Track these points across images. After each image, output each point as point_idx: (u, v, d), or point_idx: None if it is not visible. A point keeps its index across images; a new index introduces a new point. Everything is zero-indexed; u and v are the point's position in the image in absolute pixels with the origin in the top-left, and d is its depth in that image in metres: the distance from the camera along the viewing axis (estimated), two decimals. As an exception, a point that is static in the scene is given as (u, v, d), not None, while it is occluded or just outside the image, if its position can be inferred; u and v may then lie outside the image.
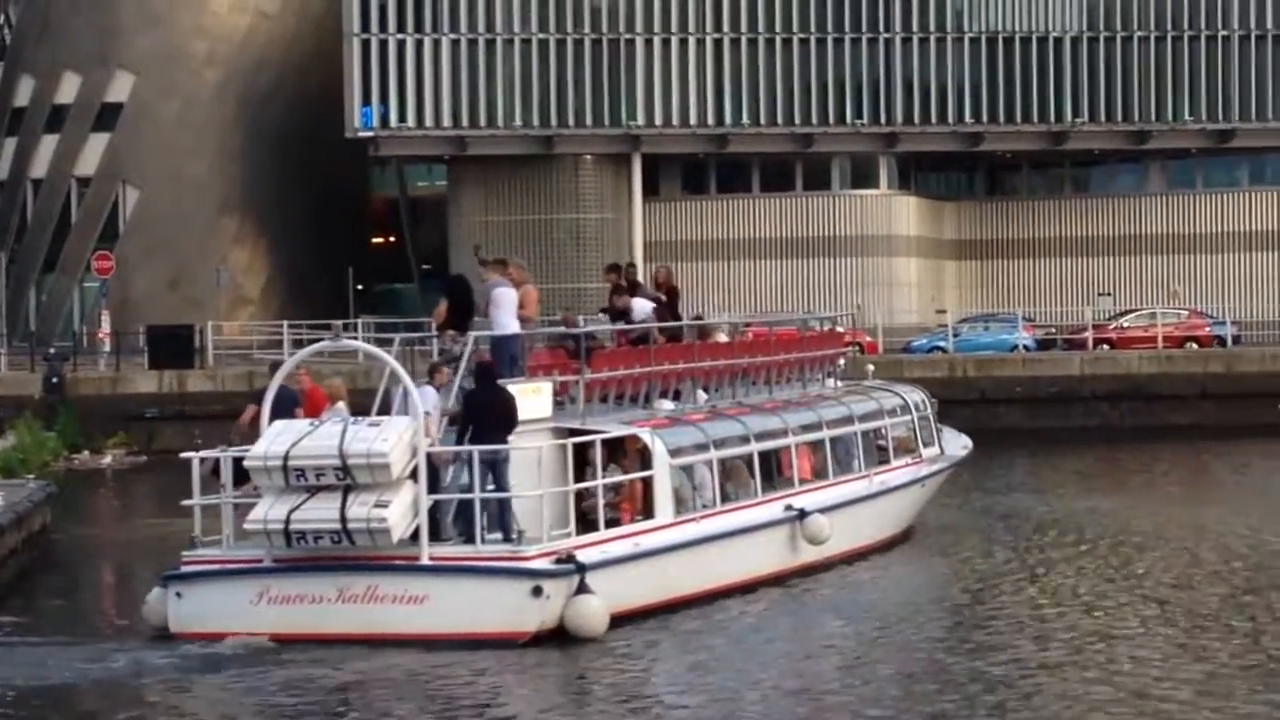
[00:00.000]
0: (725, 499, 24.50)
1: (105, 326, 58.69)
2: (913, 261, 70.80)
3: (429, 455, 21.02)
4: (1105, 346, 60.96)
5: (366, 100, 67.25)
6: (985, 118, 69.02)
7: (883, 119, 68.81)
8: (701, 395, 26.67)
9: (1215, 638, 20.98)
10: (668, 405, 25.58)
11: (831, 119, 68.73)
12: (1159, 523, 31.54)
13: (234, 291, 69.08)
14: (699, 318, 30.44)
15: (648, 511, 23.08)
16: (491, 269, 23.98)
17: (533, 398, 22.62)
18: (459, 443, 21.47)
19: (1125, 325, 63.24)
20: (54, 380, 52.41)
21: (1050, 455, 45.29)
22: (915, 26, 68.83)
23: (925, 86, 69.01)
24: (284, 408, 21.86)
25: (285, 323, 60.34)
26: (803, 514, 25.22)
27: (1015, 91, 68.99)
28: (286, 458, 20.62)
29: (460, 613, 20.56)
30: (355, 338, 21.49)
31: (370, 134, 67.65)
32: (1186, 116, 69.57)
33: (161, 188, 70.76)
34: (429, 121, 67.66)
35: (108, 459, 49.58)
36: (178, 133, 71.27)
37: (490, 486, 21.28)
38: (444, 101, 67.51)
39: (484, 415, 21.42)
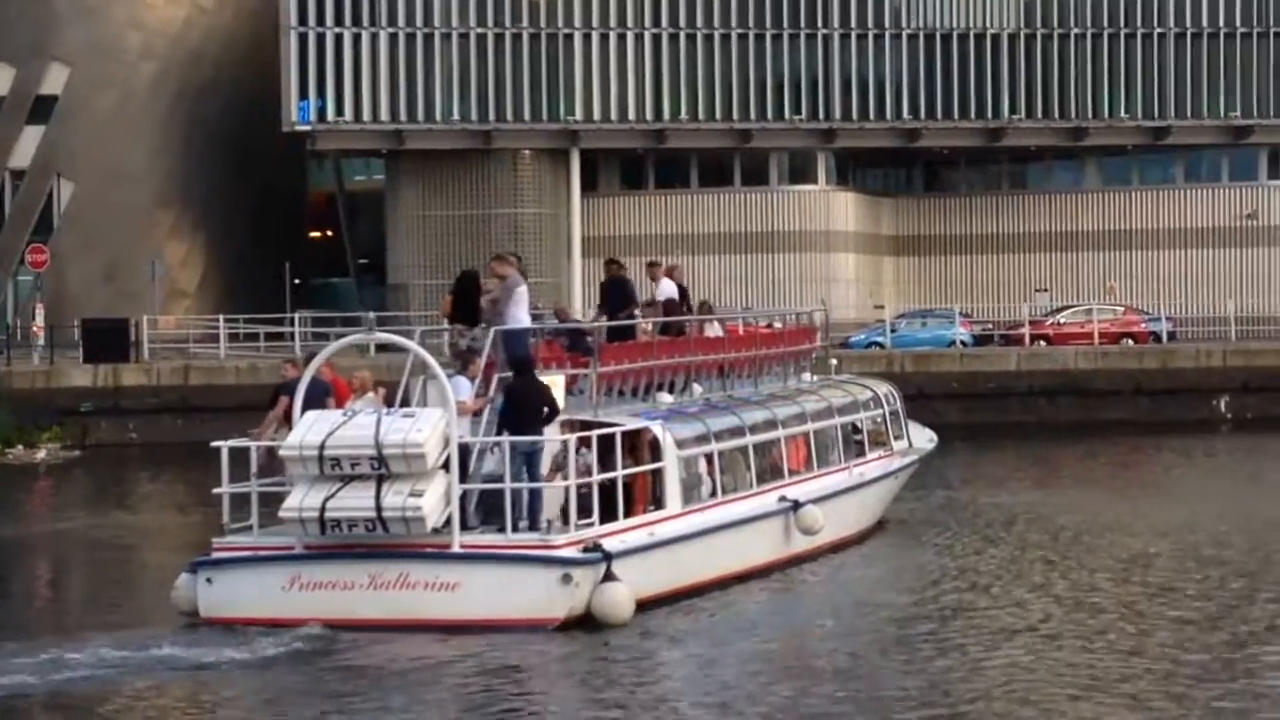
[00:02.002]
0: (724, 490, 25.18)
1: (39, 320, 58.25)
2: (850, 257, 70.95)
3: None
4: (1042, 342, 61.26)
5: (304, 94, 66.98)
6: (923, 114, 69.22)
7: (821, 115, 68.92)
8: (697, 389, 27.27)
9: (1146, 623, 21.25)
10: (667, 398, 26.18)
11: (770, 114, 68.82)
12: (1094, 516, 31.78)
13: (170, 285, 68.70)
14: (706, 305, 30.97)
15: (658, 502, 23.73)
16: (506, 264, 24.48)
17: (553, 390, 23.19)
18: (497, 433, 22.12)
19: (1062, 321, 63.56)
20: (-14, 374, 52.05)
21: (988, 450, 45.43)
22: (854, 23, 68.96)
23: (863, 83, 69.17)
24: (315, 399, 22.23)
25: (221, 317, 60.10)
26: (796, 505, 25.95)
27: (953, 88, 69.21)
28: (322, 447, 21.02)
29: (491, 600, 21.12)
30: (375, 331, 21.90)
31: (308, 128, 67.35)
32: (1122, 114, 69.92)
33: (97, 181, 70.33)
34: (366, 116, 67.45)
35: (41, 453, 49.26)
36: (113, 125, 70.84)
37: (523, 477, 21.90)
38: (382, 96, 67.31)
39: (524, 406, 22.13)
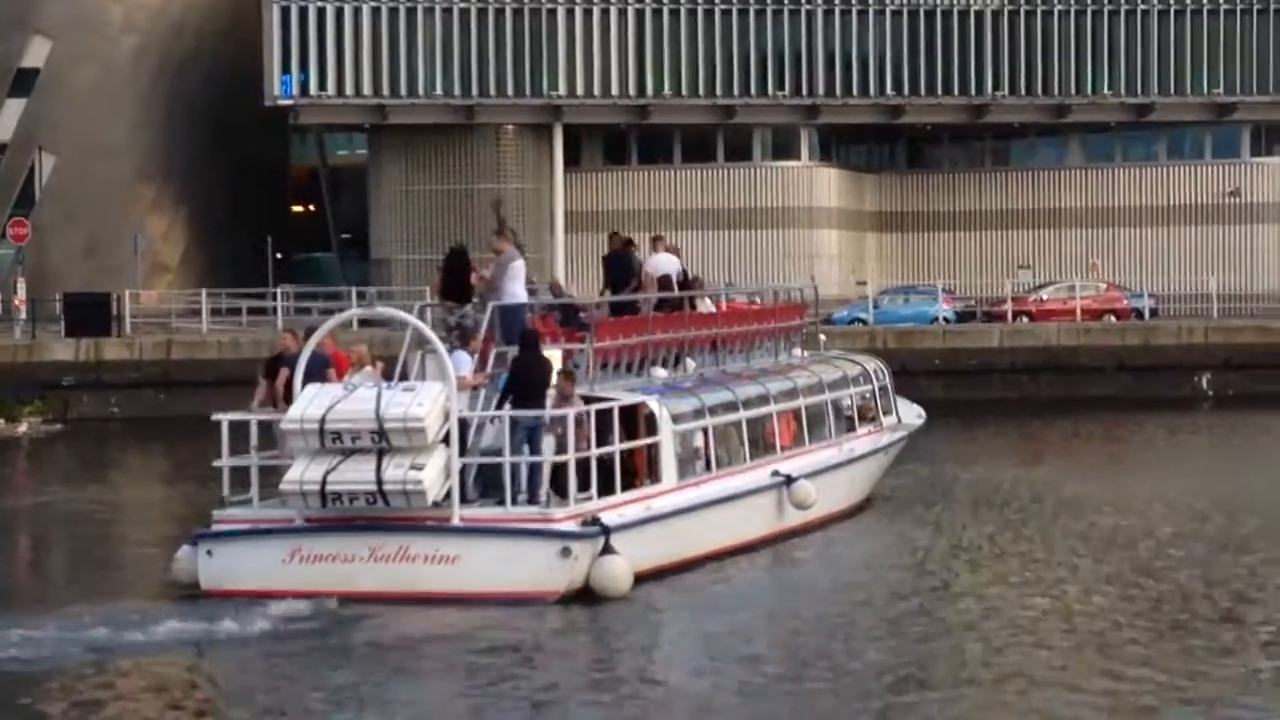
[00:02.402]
0: (718, 464, 25.32)
1: (21, 294, 58.13)
2: (833, 233, 70.94)
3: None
4: (1024, 319, 61.31)
5: (286, 68, 66.77)
6: (906, 90, 69.16)
7: (804, 91, 68.86)
8: (690, 363, 27.40)
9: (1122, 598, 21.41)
10: (661, 373, 26.28)
11: (753, 90, 68.74)
12: (1082, 491, 31.92)
13: (152, 259, 68.56)
14: (696, 280, 31.00)
15: (654, 476, 23.88)
16: (504, 239, 24.63)
17: (551, 365, 23.31)
18: (499, 407, 22.30)
19: (1044, 298, 63.62)
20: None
21: (970, 427, 45.50)
22: (837, -1, 68.92)
23: (847, 59, 69.09)
24: (316, 372, 22.34)
25: (204, 291, 59.98)
26: (789, 480, 26.08)
27: (936, 64, 69.16)
28: (323, 421, 21.21)
29: (491, 573, 21.33)
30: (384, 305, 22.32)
31: (290, 102, 67.18)
32: (1105, 90, 69.91)
33: (78, 154, 70.12)
34: (349, 90, 67.27)
35: (23, 427, 49.19)
36: (94, 99, 70.61)
37: (525, 450, 22.06)
38: (364, 70, 67.14)
39: (529, 381, 22.31)
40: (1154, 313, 63.13)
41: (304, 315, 61.48)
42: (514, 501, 21.87)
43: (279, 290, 60.96)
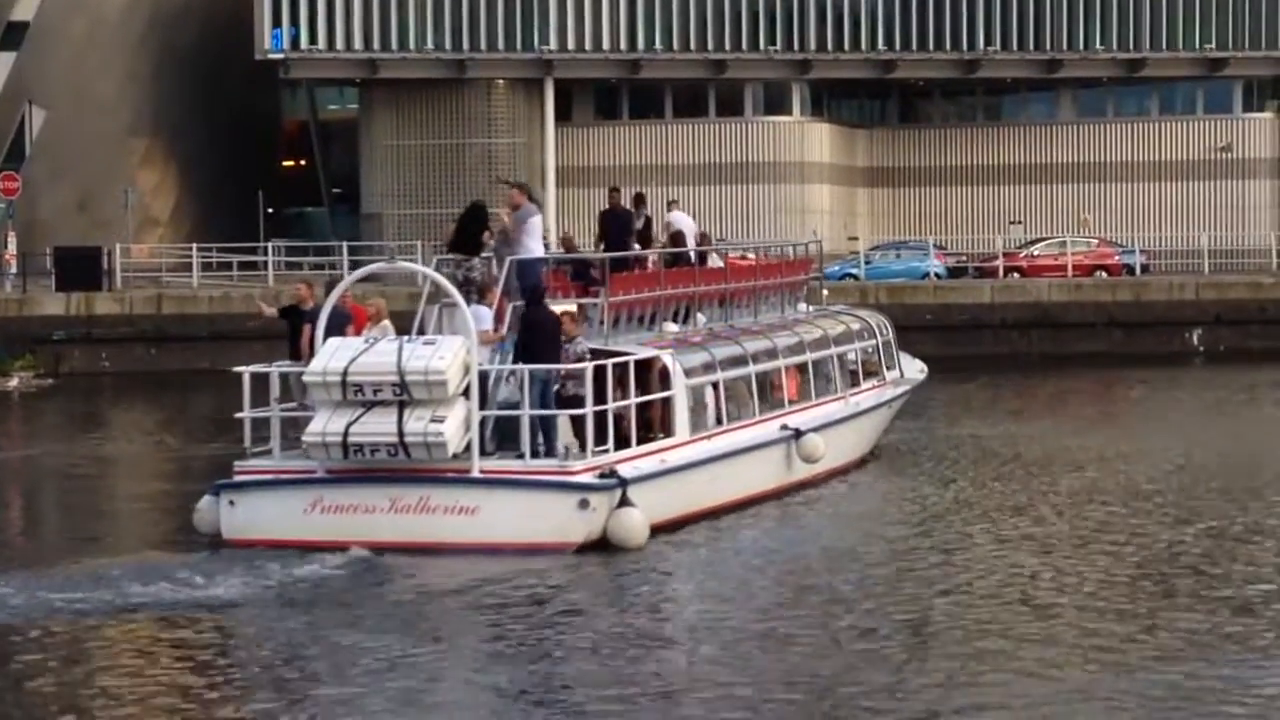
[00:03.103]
0: (728, 418, 25.61)
1: (11, 248, 58.04)
2: (825, 188, 70.90)
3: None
4: (1015, 274, 61.32)
5: (277, 22, 66.60)
6: (898, 45, 69.04)
7: (796, 46, 68.73)
8: (700, 318, 27.71)
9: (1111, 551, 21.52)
10: (672, 328, 26.60)
11: (745, 45, 68.60)
12: (1074, 447, 32.10)
13: (142, 214, 68.43)
14: (704, 236, 31.27)
15: (667, 430, 24.16)
16: (521, 194, 24.92)
17: (566, 319, 23.53)
18: (514, 362, 22.62)
19: (1035, 253, 63.62)
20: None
21: (963, 383, 45.55)
22: (829, -47, 68.75)
23: (839, 13, 68.96)
24: (337, 326, 22.68)
25: (195, 245, 59.92)
26: (798, 433, 26.36)
27: (928, 19, 69.04)
28: (345, 374, 21.48)
29: (510, 524, 21.62)
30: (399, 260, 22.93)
31: (280, 56, 67.02)
32: (1098, 45, 69.81)
33: (69, 108, 69.90)
34: (340, 44, 67.11)
35: (14, 381, 49.18)
36: (85, 52, 70.35)
37: (538, 405, 22.31)
38: (355, 24, 66.98)
39: (540, 335, 22.56)
40: (1145, 268, 63.14)
41: (295, 270, 61.53)
42: (533, 454, 22.14)
43: (270, 245, 60.91)
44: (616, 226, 27.60)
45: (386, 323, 23.39)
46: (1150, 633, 17.49)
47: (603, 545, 21.80)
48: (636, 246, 27.71)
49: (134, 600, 19.20)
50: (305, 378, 22.00)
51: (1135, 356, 53.12)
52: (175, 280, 59.27)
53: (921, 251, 63.61)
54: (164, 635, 18.09)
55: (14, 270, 56.99)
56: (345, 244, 60.30)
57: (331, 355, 21.81)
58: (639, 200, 29.80)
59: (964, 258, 65.04)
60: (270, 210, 72.50)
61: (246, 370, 22.88)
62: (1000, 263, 61.83)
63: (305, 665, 16.81)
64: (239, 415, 22.88)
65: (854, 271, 60.29)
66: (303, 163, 78.57)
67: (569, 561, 21.32)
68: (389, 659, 16.74)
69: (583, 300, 25.06)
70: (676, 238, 28.50)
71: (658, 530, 22.39)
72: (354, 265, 59.41)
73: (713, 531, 23.44)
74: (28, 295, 54.45)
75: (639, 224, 28.91)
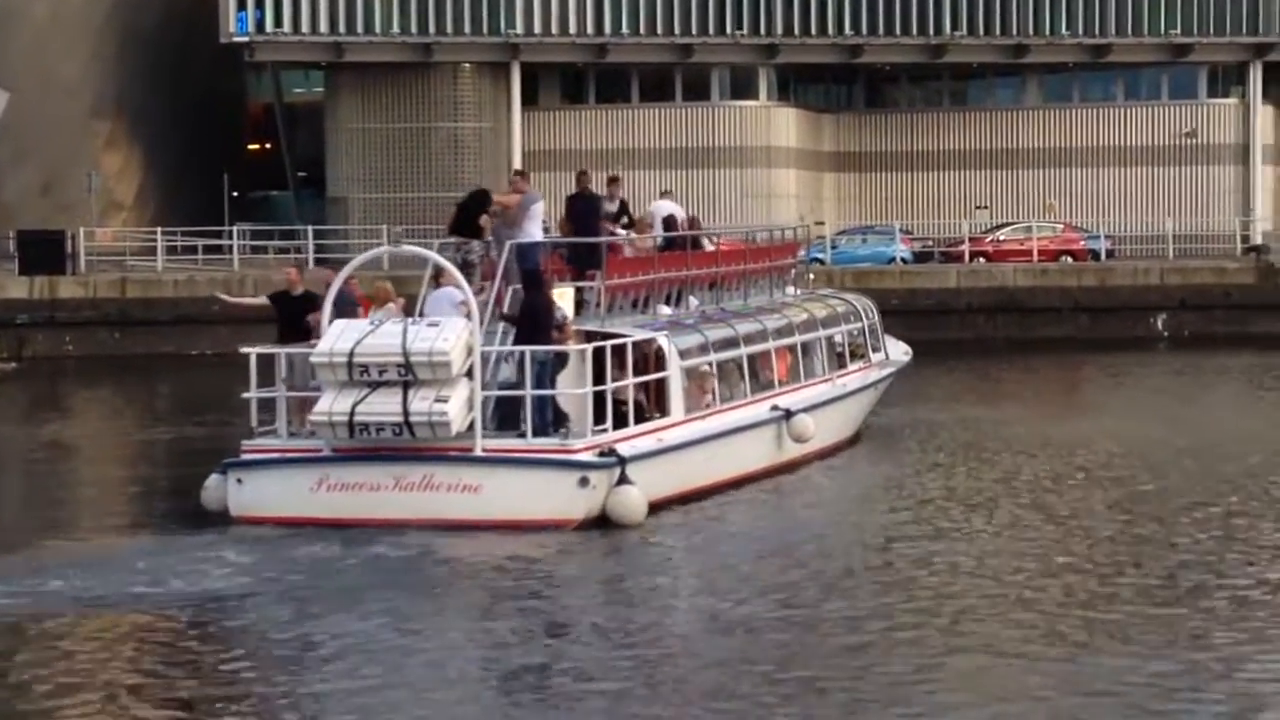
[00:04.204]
0: (721, 399, 26.25)
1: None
2: (791, 173, 70.89)
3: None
4: (981, 259, 61.43)
5: (242, 4, 66.31)
6: (864, 30, 69.04)
7: (763, 30, 68.69)
8: (693, 301, 28.30)
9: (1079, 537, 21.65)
10: (666, 310, 27.11)
11: (711, 30, 68.54)
12: (1040, 432, 32.33)
13: (106, 197, 68.15)
14: (695, 221, 31.80)
15: (663, 410, 24.71)
16: (525, 180, 25.77)
17: (560, 302, 24.29)
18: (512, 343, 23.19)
19: (1001, 238, 63.73)
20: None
21: (929, 367, 45.57)
22: (796, -63, 68.70)
23: (805, -2, 68.98)
24: (345, 308, 23.31)
25: (159, 229, 59.72)
26: (789, 414, 26.90)
27: (895, 4, 69.01)
28: (351, 354, 21.97)
29: (511, 501, 22.22)
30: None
31: (246, 39, 66.76)
32: (1063, 31, 69.90)
33: (32, 90, 69.53)
34: (305, 27, 66.87)
35: (-23, 365, 49.04)
36: (50, 34, 70.00)
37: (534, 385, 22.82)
38: (321, 7, 66.72)
39: (535, 320, 23.13)
40: (1110, 253, 63.31)
41: (260, 254, 61.39)
42: (535, 433, 22.65)
43: (235, 228, 60.73)
44: (583, 210, 27.61)
45: (392, 305, 23.91)
46: (1146, 620, 17.51)
47: (602, 522, 22.30)
48: (611, 230, 27.70)
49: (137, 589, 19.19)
50: (312, 358, 22.51)
51: (1100, 341, 53.28)
52: (140, 264, 59.06)
53: (888, 236, 63.67)
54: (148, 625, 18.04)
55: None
56: (311, 228, 60.19)
57: (338, 336, 22.38)
58: (613, 182, 29.83)
59: (930, 243, 65.12)
60: (235, 194, 72.25)
61: (253, 351, 23.29)
62: (966, 248, 61.92)
63: (305, 643, 16.90)
64: (245, 395, 23.39)
65: (820, 256, 60.29)
66: (268, 146, 78.31)
67: (569, 538, 21.74)
68: (377, 637, 16.93)
69: (580, 284, 25.50)
70: (669, 222, 29.00)
71: (655, 507, 22.89)
72: (319, 249, 59.57)
73: (708, 509, 23.90)
74: (-10, 279, 54.22)
75: (613, 207, 28.95)
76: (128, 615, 18.15)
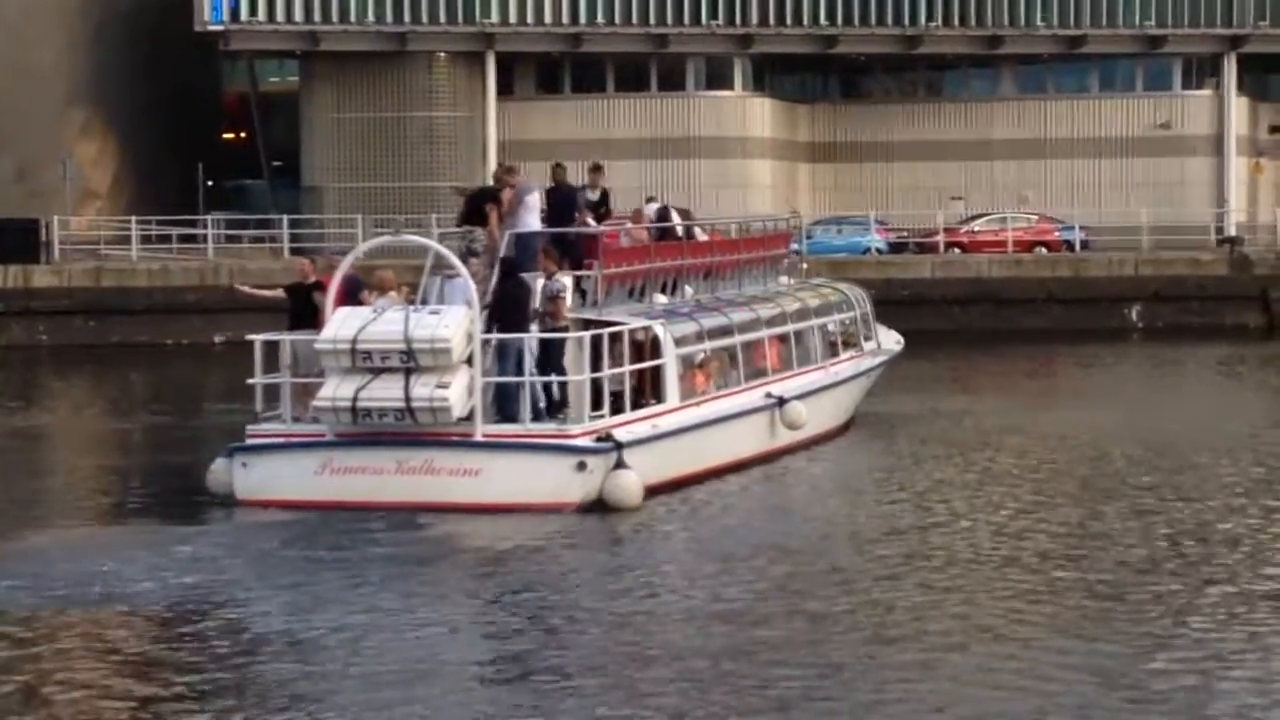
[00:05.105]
0: (715, 386, 26.72)
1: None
2: (767, 163, 70.91)
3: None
4: (956, 250, 61.52)
5: (217, -7, 66.15)
6: (840, 20, 69.09)
7: (737, 20, 68.70)
8: (688, 290, 28.77)
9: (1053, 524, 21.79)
10: (661, 299, 27.56)
11: (687, 20, 68.53)
12: (1015, 422, 32.61)
13: (81, 185, 67.95)
14: (686, 212, 32.27)
15: (658, 396, 25.17)
16: (516, 174, 26.36)
17: (560, 282, 24.57)
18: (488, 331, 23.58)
19: (976, 229, 63.83)
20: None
21: (905, 358, 45.67)
22: (771, -73, 68.69)
23: (781, -12, 68.97)
24: (351, 295, 23.94)
25: (134, 218, 59.59)
26: (781, 401, 27.34)
27: (870, -5, 69.09)
28: (354, 341, 22.60)
29: (511, 485, 22.73)
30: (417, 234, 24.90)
31: (220, 28, 66.60)
32: (1039, 22, 70.01)
33: (7, 78, 69.31)
34: (280, 16, 66.73)
35: (-49, 354, 48.86)
36: (24, 21, 69.76)
37: (532, 371, 23.52)
38: (296, -4, 66.61)
39: (510, 306, 23.65)
40: (1085, 244, 63.42)
41: (234, 244, 61.31)
42: (534, 418, 23.16)
43: (209, 218, 60.61)
44: (560, 202, 27.71)
45: (394, 293, 24.29)
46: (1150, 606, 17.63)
47: (599, 506, 22.72)
48: (591, 220, 27.78)
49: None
50: (316, 345, 23.06)
51: (1075, 332, 53.43)
52: (114, 253, 58.93)
53: (863, 227, 63.72)
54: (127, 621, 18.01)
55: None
56: (286, 217, 60.11)
57: (341, 324, 22.93)
58: (595, 171, 29.76)
59: (905, 233, 65.19)
60: (210, 183, 72.08)
61: (259, 338, 23.91)
62: (941, 238, 62.00)
63: (304, 622, 17.07)
64: (250, 381, 23.92)
65: (795, 247, 60.15)
66: (243, 135, 78.13)
67: (566, 521, 22.09)
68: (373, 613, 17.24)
69: (578, 273, 25.83)
70: (662, 214, 29.58)
71: (650, 492, 23.30)
72: (295, 239, 59.49)
73: (703, 495, 24.30)
74: (-36, 267, 54.05)
75: (595, 195, 28.93)
76: (112, 605, 18.16)
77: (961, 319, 55.93)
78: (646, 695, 14.62)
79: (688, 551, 21.32)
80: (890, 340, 34.69)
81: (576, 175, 30.67)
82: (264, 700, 14.71)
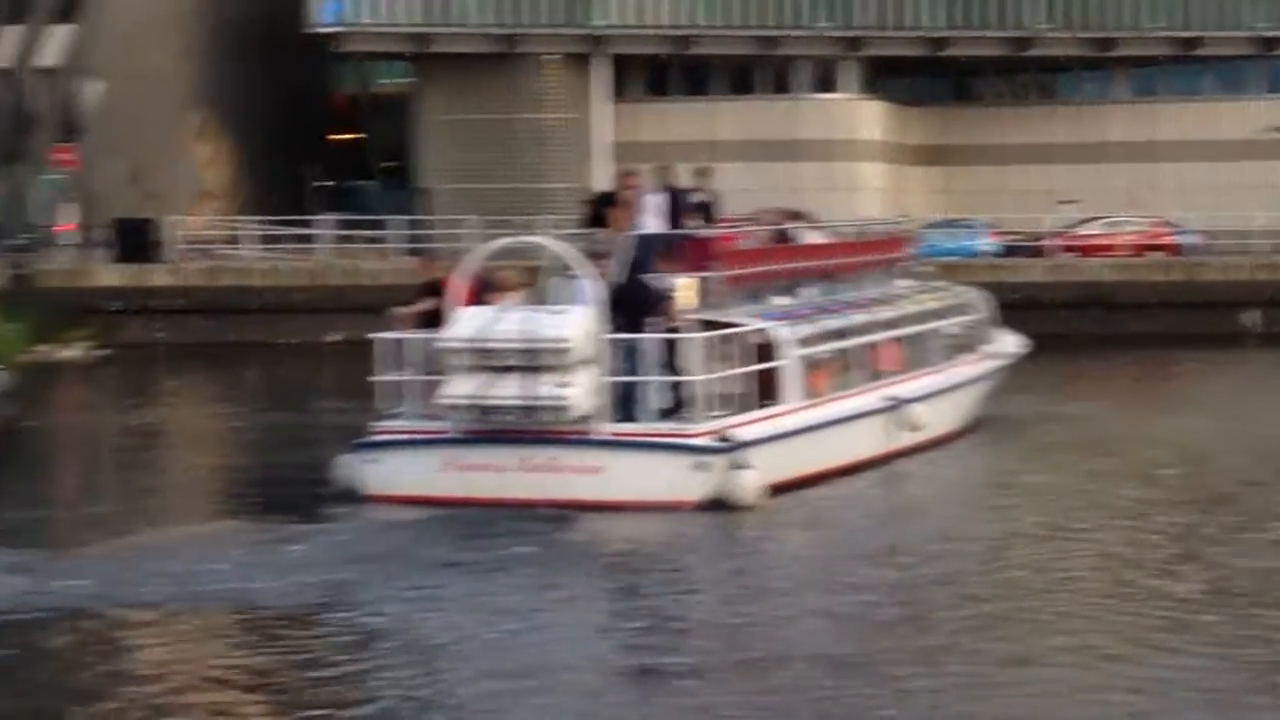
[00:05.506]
0: (835, 387, 26.79)
1: (67, 220, 58.36)
2: (876, 166, 70.75)
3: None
4: (1069, 254, 61.11)
5: (328, -5, 66.72)
6: (951, 23, 68.81)
7: (849, 23, 68.56)
8: (806, 292, 28.80)
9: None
10: (781, 300, 27.66)
11: (796, 22, 68.46)
12: (1135, 430, 32.36)
13: (197, 186, 68.63)
14: (800, 214, 32.19)
15: (778, 397, 25.28)
16: (635, 177, 26.47)
17: (684, 292, 24.88)
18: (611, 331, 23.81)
19: (1089, 233, 63.38)
20: (16, 273, 52.23)
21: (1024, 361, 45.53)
22: (882, -71, 68.54)
23: (891, -10, 68.82)
24: (480, 295, 24.16)
25: (249, 219, 60.15)
26: (901, 403, 27.45)
27: (981, -4, 68.84)
28: (478, 340, 23.03)
29: (631, 483, 22.95)
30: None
31: (331, 30, 67.09)
32: (1152, 24, 69.48)
33: (125, 81, 70.00)
34: (391, 18, 67.16)
35: (71, 352, 49.41)
36: (141, 26, 70.49)
37: (654, 370, 23.62)
38: (407, -2, 67.06)
39: (632, 306, 23.81)
40: (1200, 248, 62.83)
41: (346, 244, 61.74)
42: (657, 417, 23.43)
43: (321, 218, 61.06)
44: (676, 207, 27.75)
45: (518, 293, 24.60)
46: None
47: (719, 505, 22.82)
48: (696, 224, 27.74)
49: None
50: (440, 344, 23.38)
51: (1189, 338, 52.89)
52: (228, 252, 59.48)
53: (973, 230, 63.40)
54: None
55: (68, 242, 57.26)
56: (397, 218, 60.51)
57: (465, 323, 23.28)
58: (701, 174, 29.59)
59: (1016, 236, 64.82)
60: (323, 184, 72.61)
61: (380, 337, 24.23)
62: (1053, 242, 61.59)
63: (425, 622, 17.22)
64: (373, 379, 24.21)
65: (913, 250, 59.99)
66: (354, 136, 78.67)
67: (686, 521, 22.26)
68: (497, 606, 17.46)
69: (701, 274, 25.91)
70: (791, 215, 29.97)
71: (770, 492, 23.36)
72: (410, 240, 59.85)
73: (822, 496, 24.34)
74: (84, 266, 54.73)
75: (699, 199, 28.76)
76: (242, 604, 18.29)
77: (1074, 323, 55.50)
78: (764, 700, 14.55)
79: (808, 555, 21.34)
80: (1012, 344, 34.51)
81: (685, 181, 30.58)
82: (374, 699, 14.72)
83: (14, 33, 71.20)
